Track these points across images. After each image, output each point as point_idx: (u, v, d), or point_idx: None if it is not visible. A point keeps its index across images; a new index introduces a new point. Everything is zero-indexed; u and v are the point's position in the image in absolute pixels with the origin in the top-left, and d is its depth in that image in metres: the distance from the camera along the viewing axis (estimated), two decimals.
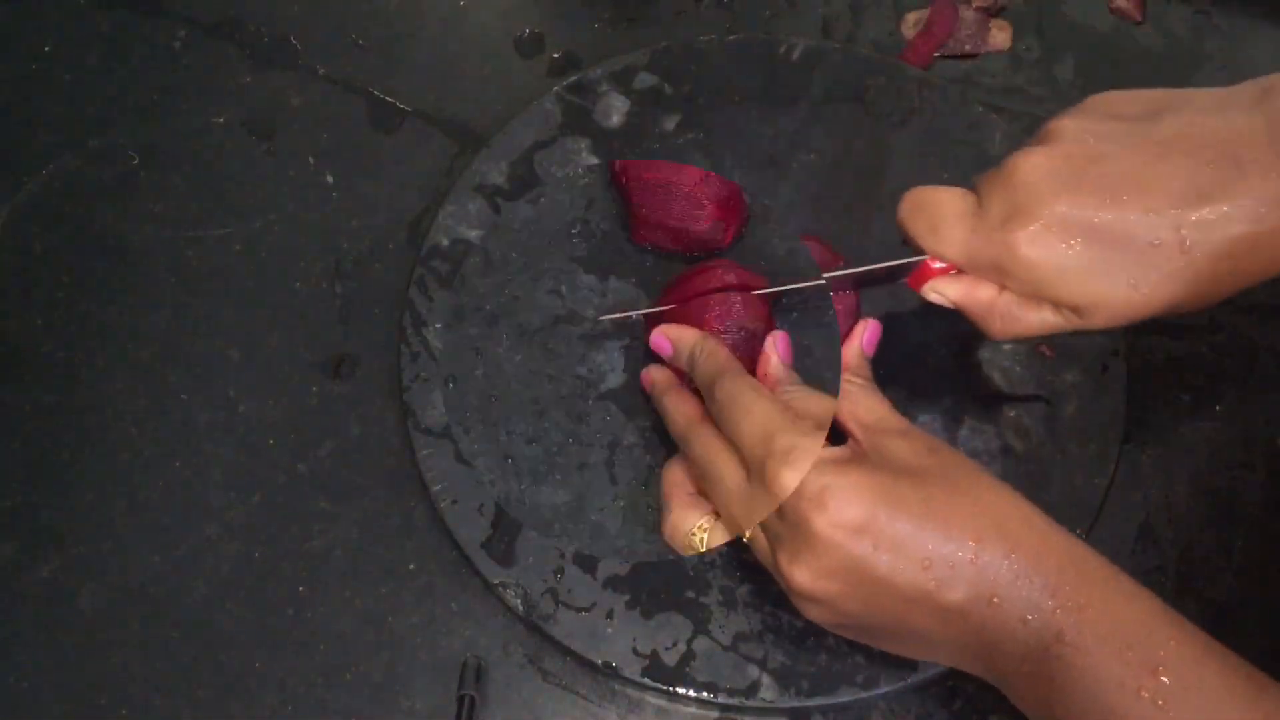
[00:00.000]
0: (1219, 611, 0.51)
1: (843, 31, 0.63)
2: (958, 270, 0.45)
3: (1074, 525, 0.51)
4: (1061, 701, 0.38)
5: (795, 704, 0.49)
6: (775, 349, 0.48)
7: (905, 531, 0.39)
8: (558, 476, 0.53)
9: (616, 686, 0.50)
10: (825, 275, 0.49)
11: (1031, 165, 0.42)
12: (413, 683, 0.51)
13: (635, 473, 0.52)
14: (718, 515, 0.45)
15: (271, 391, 0.56)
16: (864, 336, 0.49)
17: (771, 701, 0.49)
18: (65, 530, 0.54)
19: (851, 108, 0.59)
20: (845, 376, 0.46)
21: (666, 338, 0.50)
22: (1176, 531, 0.52)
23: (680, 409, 0.48)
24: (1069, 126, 0.43)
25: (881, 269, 0.47)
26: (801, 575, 0.40)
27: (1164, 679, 0.36)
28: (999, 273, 0.43)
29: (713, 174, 0.53)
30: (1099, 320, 0.42)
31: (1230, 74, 0.61)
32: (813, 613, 0.42)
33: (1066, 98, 0.61)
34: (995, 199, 0.43)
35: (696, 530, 0.44)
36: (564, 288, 0.56)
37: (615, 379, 0.54)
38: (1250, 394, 0.54)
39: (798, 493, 0.40)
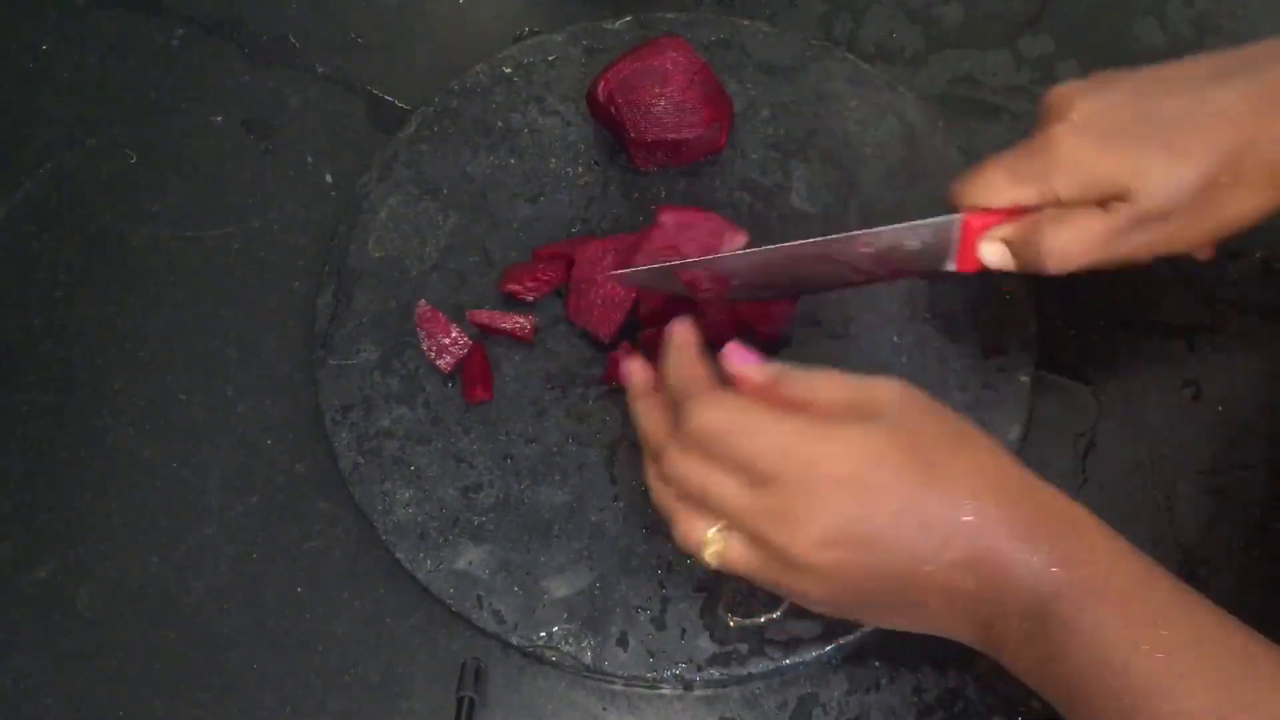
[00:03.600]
0: None
1: (844, 31, 0.63)
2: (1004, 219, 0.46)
3: None
4: (1062, 659, 0.38)
5: (797, 707, 0.49)
6: (736, 360, 0.42)
7: (904, 492, 0.39)
8: (557, 476, 0.52)
9: (616, 687, 0.50)
10: (854, 234, 0.46)
11: (1066, 85, 0.46)
12: (412, 684, 0.51)
13: (635, 473, 0.52)
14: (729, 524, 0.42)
15: (270, 391, 0.56)
16: (740, 359, 0.43)
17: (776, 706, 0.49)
18: (63, 531, 0.54)
19: None
20: (782, 384, 0.42)
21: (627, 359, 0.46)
22: (1176, 531, 0.52)
23: (655, 413, 0.44)
24: (1098, 73, 0.46)
25: (918, 228, 0.46)
26: (802, 545, 0.39)
27: (1164, 633, 0.37)
28: (1045, 178, 0.44)
29: (695, 73, 0.55)
30: (1149, 198, 0.43)
31: None
32: (814, 590, 0.40)
33: None
34: (1036, 126, 0.46)
35: (710, 539, 0.41)
36: (564, 286, 0.56)
37: None
38: (1251, 393, 0.54)
39: (786, 464, 0.39)
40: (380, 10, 0.65)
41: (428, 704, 0.50)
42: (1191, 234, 0.44)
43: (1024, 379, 0.54)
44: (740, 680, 0.50)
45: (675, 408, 0.43)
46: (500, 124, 0.60)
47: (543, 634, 0.50)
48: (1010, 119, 0.60)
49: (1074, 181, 0.44)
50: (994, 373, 0.54)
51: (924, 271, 0.48)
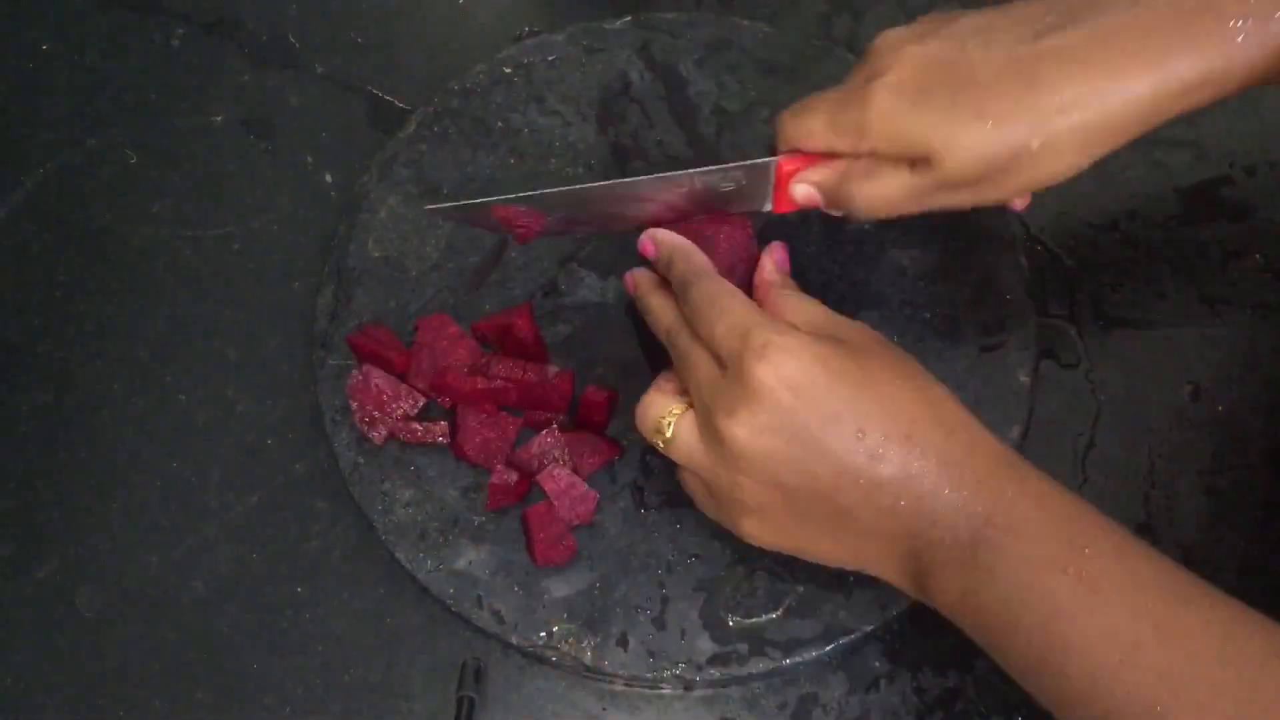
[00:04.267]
0: None
1: (844, 31, 0.63)
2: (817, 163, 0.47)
3: None
4: (989, 586, 0.39)
5: (797, 707, 0.49)
6: (772, 255, 0.49)
7: (843, 397, 0.41)
8: None
9: (616, 687, 0.50)
10: (669, 175, 0.47)
11: (889, 33, 0.45)
12: (412, 684, 0.51)
13: (636, 473, 0.52)
14: (691, 407, 0.45)
15: (270, 391, 0.56)
16: (775, 256, 0.50)
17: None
18: (63, 531, 0.54)
19: None
20: (774, 291, 0.47)
21: (652, 240, 0.50)
22: (1176, 531, 0.52)
23: (665, 307, 0.48)
24: (933, 15, 0.46)
25: (730, 170, 0.47)
26: (740, 429, 0.41)
27: (1089, 554, 0.38)
28: (857, 131, 0.44)
29: (740, 258, 0.51)
30: (953, 164, 0.43)
31: None
32: (747, 489, 0.42)
33: None
34: (857, 70, 0.46)
35: (667, 415, 0.44)
36: (564, 285, 0.56)
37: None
38: (1251, 394, 0.54)
39: (743, 346, 0.41)
40: (380, 10, 0.65)
41: (428, 704, 0.50)
42: (999, 193, 0.44)
43: (1024, 379, 0.54)
44: (740, 680, 0.50)
45: (680, 293, 0.46)
46: (500, 124, 0.60)
47: (543, 634, 0.50)
48: None
49: (884, 141, 0.44)
50: (994, 373, 0.54)
51: (741, 211, 0.50)
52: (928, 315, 0.55)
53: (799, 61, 0.60)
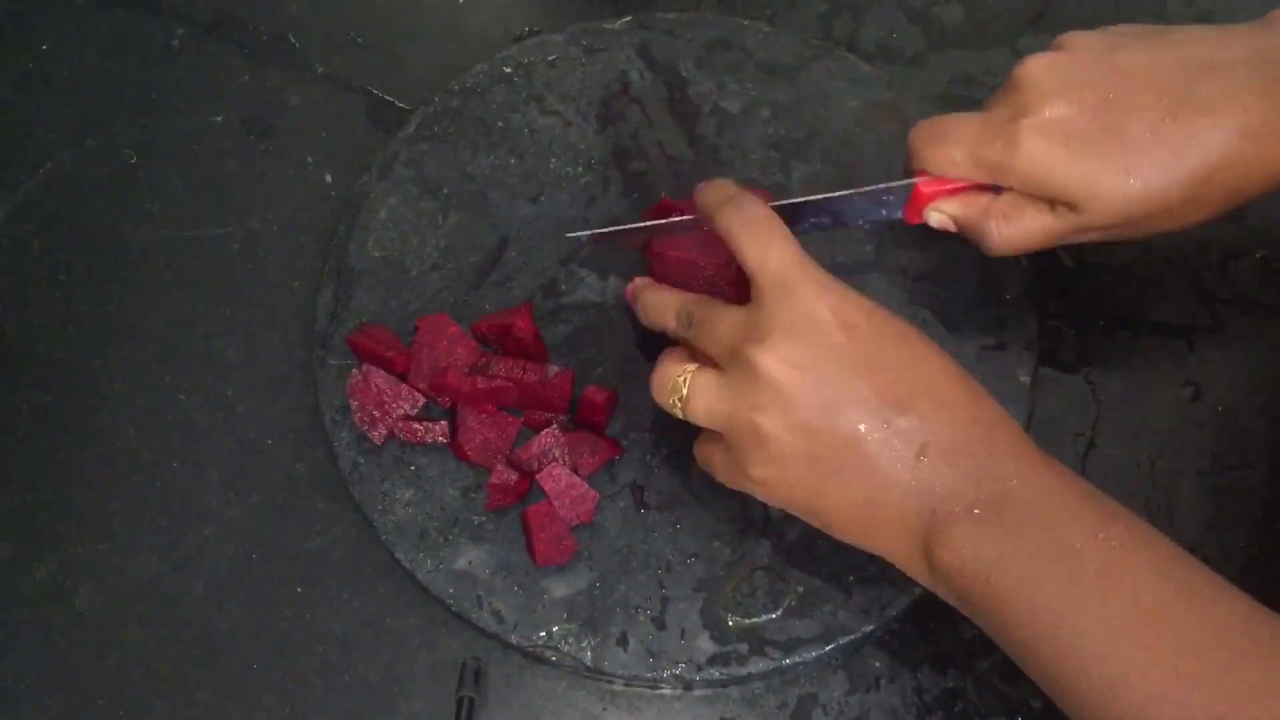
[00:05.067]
0: None
1: (844, 31, 0.63)
2: (955, 192, 0.47)
3: None
4: (1013, 544, 0.39)
5: (797, 707, 0.49)
6: None
7: (882, 345, 0.41)
8: None
9: (616, 687, 0.50)
10: (822, 196, 0.48)
11: (1037, 65, 0.45)
12: (411, 684, 0.51)
13: (636, 473, 0.52)
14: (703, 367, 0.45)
15: (270, 391, 0.56)
16: None
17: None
18: (63, 531, 0.54)
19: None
20: None
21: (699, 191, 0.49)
22: (1176, 531, 0.52)
23: (672, 295, 0.49)
24: (1077, 36, 0.45)
25: (872, 191, 0.48)
26: (771, 356, 0.41)
27: (1121, 528, 0.38)
28: (1001, 171, 0.44)
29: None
30: (1095, 214, 0.43)
31: None
32: (766, 430, 0.41)
33: None
34: (1002, 101, 0.45)
35: (681, 374, 0.44)
36: (564, 285, 0.56)
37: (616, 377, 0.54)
38: (1251, 393, 0.54)
39: (800, 275, 0.42)
40: (380, 10, 0.65)
41: (428, 704, 0.50)
42: (1135, 236, 0.45)
43: (1024, 379, 0.54)
44: (740, 680, 0.50)
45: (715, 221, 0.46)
46: (500, 124, 0.60)
47: (543, 634, 0.50)
48: None
49: (1029, 183, 0.44)
50: (994, 373, 0.54)
51: (870, 222, 0.51)
52: (928, 315, 0.55)
53: (799, 61, 0.60)
